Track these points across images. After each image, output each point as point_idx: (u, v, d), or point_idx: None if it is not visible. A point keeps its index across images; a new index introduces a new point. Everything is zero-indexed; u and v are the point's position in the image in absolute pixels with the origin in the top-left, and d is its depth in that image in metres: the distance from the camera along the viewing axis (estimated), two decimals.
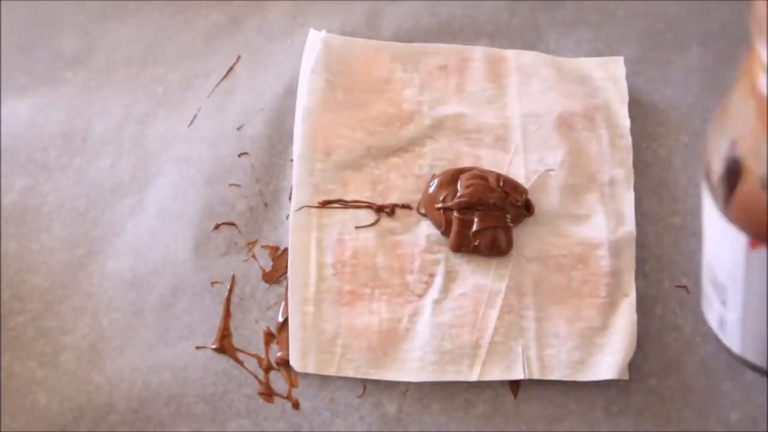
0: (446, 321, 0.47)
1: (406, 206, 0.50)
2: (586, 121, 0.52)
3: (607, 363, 0.46)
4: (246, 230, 0.51)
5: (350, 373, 0.46)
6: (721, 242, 0.38)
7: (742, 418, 0.46)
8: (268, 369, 0.48)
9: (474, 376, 0.46)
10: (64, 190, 0.52)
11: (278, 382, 0.47)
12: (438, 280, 0.48)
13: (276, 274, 0.50)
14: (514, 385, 0.47)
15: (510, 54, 0.55)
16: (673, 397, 0.47)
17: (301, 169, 0.50)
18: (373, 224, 0.50)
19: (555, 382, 0.46)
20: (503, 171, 0.51)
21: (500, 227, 0.48)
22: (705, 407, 0.46)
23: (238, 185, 0.52)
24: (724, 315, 0.43)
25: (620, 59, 0.54)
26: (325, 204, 0.50)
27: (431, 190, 0.50)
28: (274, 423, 0.46)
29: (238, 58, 0.55)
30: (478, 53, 0.55)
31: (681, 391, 0.47)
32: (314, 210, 0.50)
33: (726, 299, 0.42)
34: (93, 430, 0.46)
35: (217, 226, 0.51)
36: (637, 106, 0.53)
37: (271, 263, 0.50)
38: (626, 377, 0.46)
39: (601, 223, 0.49)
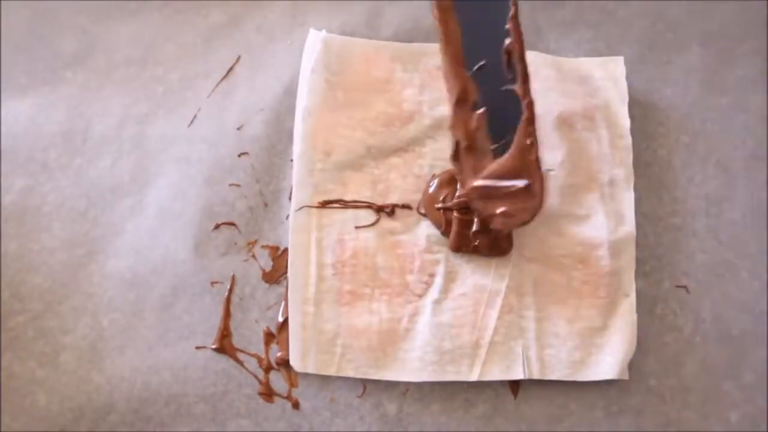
0: (446, 321, 0.47)
1: (406, 206, 0.50)
2: (586, 121, 0.52)
3: (607, 363, 0.46)
4: (246, 230, 0.51)
5: (350, 373, 0.46)
6: None
7: (742, 418, 0.46)
8: (268, 369, 0.48)
9: (474, 376, 0.46)
10: (64, 190, 0.52)
11: (278, 382, 0.47)
12: (438, 280, 0.48)
13: (276, 274, 0.50)
14: (514, 385, 0.47)
15: None
16: (673, 397, 0.47)
17: (301, 169, 0.50)
18: (373, 224, 0.50)
19: (555, 382, 0.46)
20: None
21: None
22: (705, 407, 0.47)
23: (238, 185, 0.52)
24: None
25: (620, 59, 0.54)
26: (325, 204, 0.50)
27: (431, 190, 0.50)
28: (274, 423, 0.46)
29: (238, 58, 0.55)
30: None
31: (681, 391, 0.47)
32: (314, 210, 0.50)
33: None
34: (93, 430, 0.46)
35: (217, 226, 0.51)
36: (637, 106, 0.53)
37: (271, 263, 0.50)
38: (626, 377, 0.46)
39: (601, 223, 0.49)
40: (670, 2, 0.57)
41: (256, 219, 0.51)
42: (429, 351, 0.46)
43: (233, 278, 0.50)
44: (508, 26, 0.44)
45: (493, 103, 0.45)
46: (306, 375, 0.47)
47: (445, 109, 0.52)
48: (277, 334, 0.48)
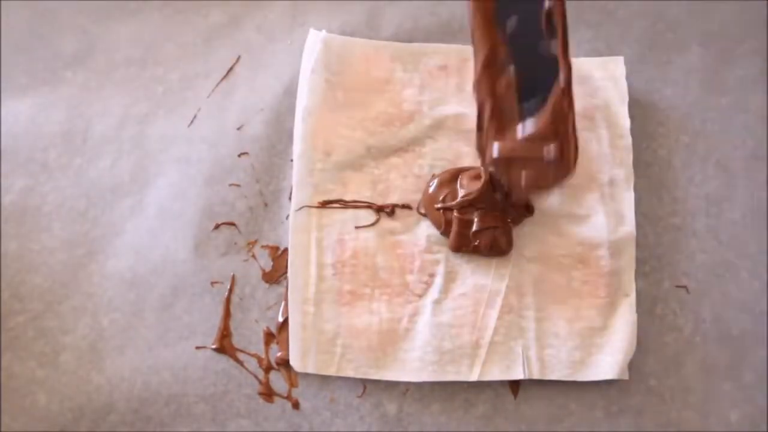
0: (446, 321, 0.47)
1: (406, 206, 0.50)
2: (586, 121, 0.52)
3: (607, 363, 0.46)
4: (246, 230, 0.51)
5: (350, 373, 0.46)
6: None
7: (742, 418, 0.46)
8: (268, 369, 0.48)
9: (474, 376, 0.46)
10: (64, 190, 0.52)
11: (278, 382, 0.47)
12: (438, 280, 0.48)
13: (276, 274, 0.50)
14: (514, 385, 0.47)
15: None
16: (673, 397, 0.47)
17: (301, 169, 0.50)
18: (373, 224, 0.50)
19: (555, 382, 0.46)
20: None
21: (500, 227, 0.48)
22: (705, 407, 0.47)
23: (238, 185, 0.52)
24: None
25: (620, 59, 0.54)
26: (325, 204, 0.50)
27: (431, 190, 0.50)
28: (274, 423, 0.46)
29: (238, 58, 0.55)
30: None
31: (681, 391, 0.47)
32: (314, 210, 0.50)
33: None
34: (93, 430, 0.46)
35: (217, 226, 0.51)
36: (637, 106, 0.53)
37: (271, 263, 0.50)
38: (626, 377, 0.46)
39: (601, 223, 0.49)
40: (670, 2, 0.57)
41: (256, 219, 0.51)
42: (429, 351, 0.46)
43: (233, 278, 0.50)
44: None
45: (524, 66, 0.42)
46: (306, 375, 0.47)
47: (445, 109, 0.52)
48: (277, 334, 0.48)
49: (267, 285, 0.49)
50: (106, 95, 0.54)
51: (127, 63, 0.55)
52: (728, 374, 0.47)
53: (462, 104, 0.53)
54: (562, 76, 0.41)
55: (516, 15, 0.42)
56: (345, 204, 0.50)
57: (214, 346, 0.48)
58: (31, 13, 0.57)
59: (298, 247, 0.49)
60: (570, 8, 0.56)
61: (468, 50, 0.56)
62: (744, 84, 0.54)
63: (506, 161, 0.43)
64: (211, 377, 0.47)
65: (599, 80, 0.54)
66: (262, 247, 0.50)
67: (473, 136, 0.51)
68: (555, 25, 0.41)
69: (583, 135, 0.52)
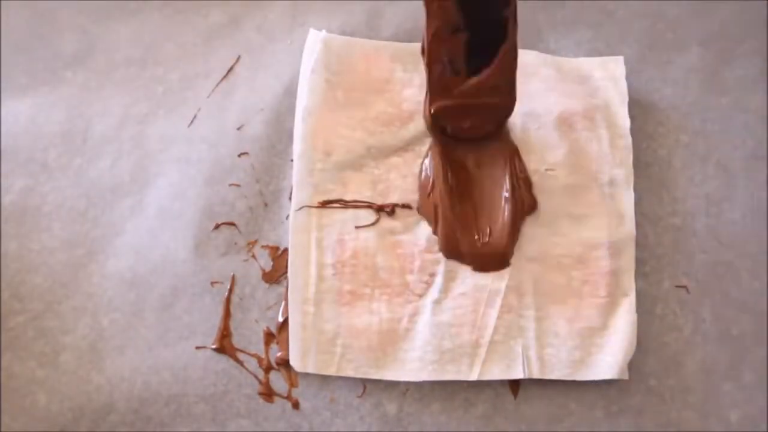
0: (446, 320, 0.47)
1: (406, 206, 0.50)
2: (586, 121, 0.52)
3: (607, 363, 0.46)
4: (246, 230, 0.51)
5: (350, 373, 0.46)
6: None
7: (742, 418, 0.46)
8: (268, 369, 0.48)
9: (474, 376, 0.46)
10: (64, 190, 0.52)
11: (278, 382, 0.47)
12: (438, 280, 0.48)
13: (276, 274, 0.50)
14: (514, 385, 0.47)
15: None
16: (673, 397, 0.47)
17: (301, 169, 0.50)
18: (373, 224, 0.50)
19: (555, 382, 0.46)
20: None
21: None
22: (705, 407, 0.47)
23: (238, 185, 0.52)
24: None
25: (620, 59, 0.54)
26: (325, 204, 0.50)
27: (422, 176, 0.50)
28: (274, 423, 0.46)
29: (238, 58, 0.55)
30: None
31: (681, 391, 0.47)
32: (314, 210, 0.50)
33: None
34: (93, 430, 0.46)
35: (217, 226, 0.51)
36: (637, 106, 0.53)
37: (271, 263, 0.50)
38: (626, 377, 0.46)
39: (601, 223, 0.49)
40: (670, 2, 0.57)
41: (256, 219, 0.51)
42: (429, 350, 0.46)
43: (233, 278, 0.50)
44: None
45: (473, 30, 0.45)
46: (306, 375, 0.47)
47: None
48: (277, 334, 0.48)
49: (267, 285, 0.49)
50: (106, 95, 0.54)
51: (127, 63, 0.55)
52: (728, 374, 0.47)
53: None
54: (509, 37, 0.45)
55: None
56: (345, 204, 0.50)
57: (214, 346, 0.48)
58: (31, 13, 0.57)
59: (298, 247, 0.49)
60: (570, 8, 0.57)
61: None
62: (744, 84, 0.54)
63: (451, 113, 0.47)
64: (211, 377, 0.47)
65: (599, 80, 0.54)
66: (262, 247, 0.50)
67: None
68: None
69: (583, 135, 0.52)
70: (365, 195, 0.50)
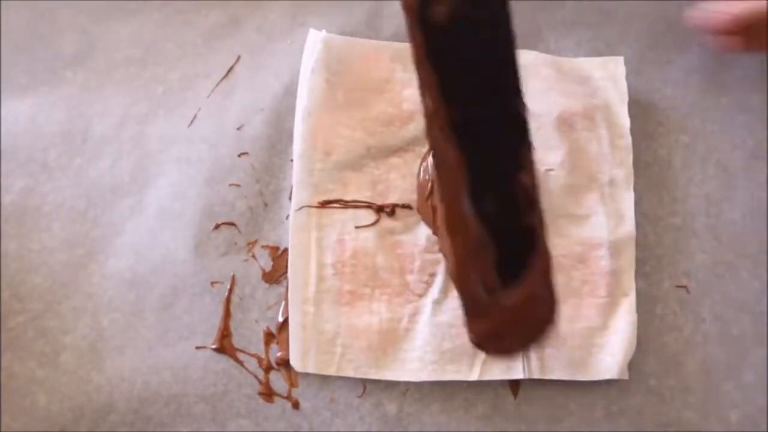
0: (446, 320, 0.47)
1: (406, 206, 0.50)
2: (586, 121, 0.52)
3: (607, 363, 0.46)
4: (246, 230, 0.51)
5: (350, 373, 0.46)
6: None
7: (742, 418, 0.46)
8: (268, 369, 0.48)
9: (474, 376, 0.46)
10: (64, 190, 0.52)
11: (278, 382, 0.47)
12: (438, 280, 0.48)
13: (276, 274, 0.50)
14: (514, 385, 0.47)
15: None
16: (673, 397, 0.47)
17: (301, 169, 0.50)
18: (373, 224, 0.50)
19: (555, 382, 0.46)
20: None
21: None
22: (705, 407, 0.47)
23: (238, 185, 0.52)
24: None
25: (620, 59, 0.54)
26: (325, 204, 0.50)
27: (420, 177, 0.50)
28: (274, 423, 0.46)
29: (238, 58, 0.55)
30: None
31: (681, 391, 0.47)
32: (314, 210, 0.50)
33: None
34: (93, 430, 0.46)
35: (217, 226, 0.51)
36: (637, 106, 0.53)
37: (271, 263, 0.50)
38: (626, 377, 0.46)
39: (601, 223, 0.49)
40: (670, 2, 0.57)
41: (256, 219, 0.51)
42: (429, 350, 0.46)
43: (233, 278, 0.50)
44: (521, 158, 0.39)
45: (499, 240, 0.39)
46: (306, 375, 0.47)
47: None
48: (277, 334, 0.48)
49: (267, 285, 0.49)
50: (106, 95, 0.54)
51: (127, 63, 0.55)
52: (728, 374, 0.47)
53: None
54: (540, 246, 0.40)
55: (492, 194, 0.39)
56: (345, 204, 0.50)
57: (214, 346, 0.48)
58: (31, 13, 0.57)
59: (298, 247, 0.49)
60: (570, 8, 0.57)
61: None
62: (744, 84, 0.54)
63: (492, 333, 0.41)
64: (211, 377, 0.47)
65: (599, 80, 0.54)
66: (262, 247, 0.50)
67: None
68: (532, 197, 0.39)
69: (583, 135, 0.52)
70: (365, 195, 0.50)
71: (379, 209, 0.50)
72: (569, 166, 0.51)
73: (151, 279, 0.49)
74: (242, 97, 0.54)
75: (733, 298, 0.49)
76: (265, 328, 0.48)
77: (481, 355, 0.46)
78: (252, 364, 0.48)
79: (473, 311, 0.41)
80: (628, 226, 0.49)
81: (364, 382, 0.47)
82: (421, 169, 0.50)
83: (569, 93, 0.53)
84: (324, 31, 0.54)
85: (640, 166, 0.52)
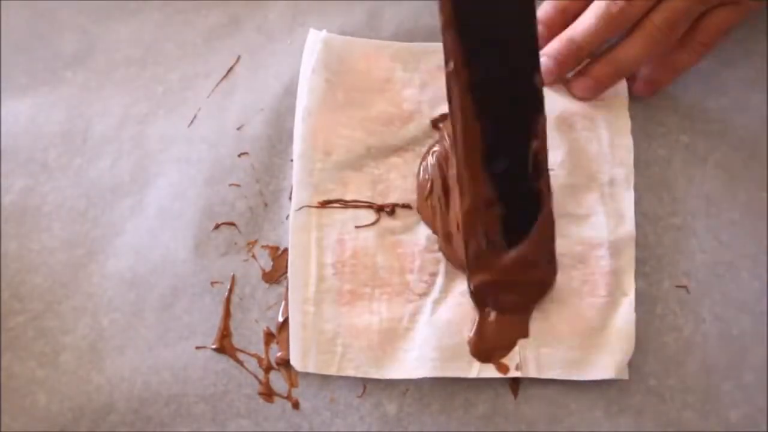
0: (446, 319, 0.47)
1: (406, 206, 0.50)
2: (586, 121, 0.52)
3: (607, 363, 0.46)
4: (246, 230, 0.51)
5: (350, 373, 0.46)
6: None
7: (742, 418, 0.46)
8: (268, 369, 0.48)
9: (473, 373, 0.46)
10: (64, 190, 0.52)
11: (278, 382, 0.47)
12: (439, 280, 0.48)
13: (276, 274, 0.50)
14: (514, 385, 0.47)
15: None
16: (673, 397, 0.47)
17: (301, 169, 0.50)
18: (373, 224, 0.50)
19: (555, 382, 0.46)
20: None
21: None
22: (705, 407, 0.47)
23: (238, 185, 0.52)
24: None
25: None
26: (325, 204, 0.50)
27: (419, 177, 0.50)
28: (274, 423, 0.46)
29: (238, 58, 0.55)
30: None
31: (681, 391, 0.47)
32: (314, 210, 0.50)
33: None
34: (93, 430, 0.46)
35: (217, 226, 0.51)
36: (637, 106, 0.53)
37: (271, 263, 0.50)
38: (626, 377, 0.46)
39: (601, 223, 0.49)
40: None
41: (256, 219, 0.51)
42: (428, 348, 0.46)
43: (233, 278, 0.50)
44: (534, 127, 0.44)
45: (506, 202, 0.44)
46: (306, 375, 0.47)
47: (446, 109, 0.52)
48: (277, 334, 0.48)
49: (267, 285, 0.49)
50: (106, 95, 0.54)
51: (127, 63, 0.55)
52: (728, 374, 0.47)
53: None
54: (545, 209, 0.45)
55: (504, 156, 0.44)
56: (345, 204, 0.50)
57: (214, 346, 0.48)
58: (31, 13, 0.57)
59: (298, 247, 0.49)
60: None
61: None
62: (744, 84, 0.54)
63: (491, 291, 0.46)
64: (211, 377, 0.47)
65: None
66: (262, 247, 0.50)
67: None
68: (541, 163, 0.44)
69: (583, 135, 0.52)
70: (365, 195, 0.50)
71: (379, 209, 0.50)
72: (569, 166, 0.51)
73: (151, 279, 0.49)
74: (242, 97, 0.54)
75: (733, 298, 0.49)
76: (265, 328, 0.48)
77: None
78: (252, 364, 0.48)
79: (475, 264, 0.45)
80: (628, 226, 0.49)
81: (364, 382, 0.47)
82: (421, 168, 0.50)
83: (569, 93, 0.53)
84: (324, 31, 0.54)
85: (640, 166, 0.52)
